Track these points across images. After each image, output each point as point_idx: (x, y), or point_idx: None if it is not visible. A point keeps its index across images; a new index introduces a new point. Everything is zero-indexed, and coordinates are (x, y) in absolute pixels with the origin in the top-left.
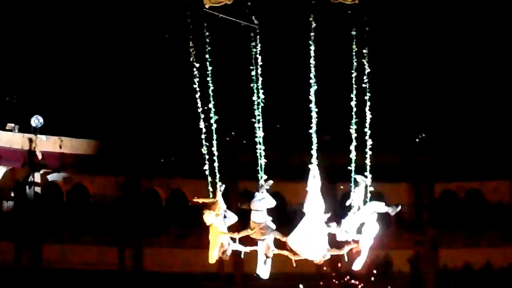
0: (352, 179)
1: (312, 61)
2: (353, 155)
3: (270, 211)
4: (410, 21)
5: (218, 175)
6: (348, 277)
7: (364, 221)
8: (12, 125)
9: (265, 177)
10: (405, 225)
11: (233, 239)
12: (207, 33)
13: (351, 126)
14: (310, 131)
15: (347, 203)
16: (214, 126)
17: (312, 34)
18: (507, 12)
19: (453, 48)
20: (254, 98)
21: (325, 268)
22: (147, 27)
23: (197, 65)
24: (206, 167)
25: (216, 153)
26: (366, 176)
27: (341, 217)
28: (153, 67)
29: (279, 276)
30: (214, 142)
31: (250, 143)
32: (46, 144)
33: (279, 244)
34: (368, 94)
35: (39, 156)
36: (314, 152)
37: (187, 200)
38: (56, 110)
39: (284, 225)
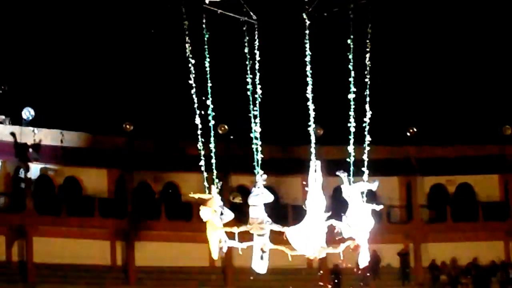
0: (351, 173)
1: (308, 56)
2: (351, 149)
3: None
4: (403, 18)
5: (213, 171)
6: (336, 271)
7: (362, 213)
8: (3, 117)
9: (261, 172)
10: (394, 219)
11: (231, 235)
12: (204, 27)
13: (349, 121)
14: (309, 125)
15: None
16: (211, 122)
17: (307, 32)
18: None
19: (442, 44)
20: (254, 94)
21: (314, 262)
22: (143, 20)
23: (193, 61)
24: (202, 162)
25: (212, 148)
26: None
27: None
28: (148, 60)
29: (268, 270)
30: (210, 137)
31: (245, 137)
32: (37, 136)
33: (275, 239)
34: (365, 89)
35: (30, 149)
36: (313, 149)
37: (179, 193)
38: (48, 102)
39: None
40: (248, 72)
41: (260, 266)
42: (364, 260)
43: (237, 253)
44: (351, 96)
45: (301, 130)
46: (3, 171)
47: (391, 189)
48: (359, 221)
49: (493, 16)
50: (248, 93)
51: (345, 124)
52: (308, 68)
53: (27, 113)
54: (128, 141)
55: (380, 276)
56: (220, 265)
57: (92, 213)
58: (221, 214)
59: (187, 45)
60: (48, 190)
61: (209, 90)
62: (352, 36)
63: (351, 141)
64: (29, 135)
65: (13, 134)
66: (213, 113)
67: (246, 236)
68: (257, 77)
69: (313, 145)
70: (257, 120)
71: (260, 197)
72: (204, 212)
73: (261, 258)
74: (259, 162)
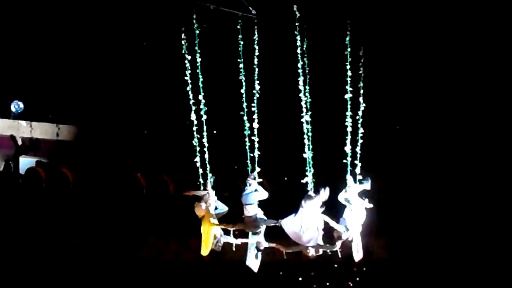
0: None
1: (302, 50)
2: (348, 149)
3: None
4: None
5: (200, 167)
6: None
7: (358, 211)
8: None
9: (257, 169)
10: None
11: (227, 231)
12: (196, 24)
13: (346, 120)
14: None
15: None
16: (204, 117)
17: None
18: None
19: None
20: (253, 91)
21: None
22: (135, 14)
23: (189, 57)
24: (197, 159)
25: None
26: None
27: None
28: (138, 55)
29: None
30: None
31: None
32: (26, 129)
33: (270, 237)
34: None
35: (19, 142)
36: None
37: (168, 189)
38: (36, 95)
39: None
40: (241, 69)
41: (254, 264)
42: (358, 254)
43: (225, 247)
44: (347, 96)
45: (292, 125)
46: None
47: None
48: (355, 220)
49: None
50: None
51: (335, 120)
52: (300, 64)
53: (16, 106)
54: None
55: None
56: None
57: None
58: (216, 208)
59: (182, 42)
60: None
61: (199, 85)
62: (348, 33)
63: (348, 142)
64: (18, 128)
65: (2, 127)
66: (205, 108)
67: (241, 232)
68: (252, 73)
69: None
70: (254, 116)
71: (254, 195)
72: (199, 209)
73: (256, 256)
74: (256, 160)
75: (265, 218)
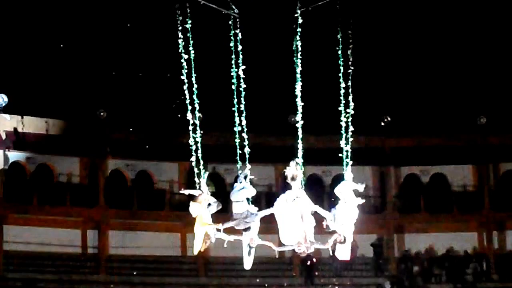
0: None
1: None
2: (343, 143)
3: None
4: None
5: (200, 163)
6: (310, 261)
7: (351, 207)
8: None
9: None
10: (368, 209)
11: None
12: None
13: (341, 112)
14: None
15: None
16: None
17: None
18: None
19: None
20: (239, 87)
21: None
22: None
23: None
24: (193, 154)
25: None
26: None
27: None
28: (125, 48)
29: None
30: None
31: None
32: (10, 123)
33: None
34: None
35: (3, 136)
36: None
37: (152, 181)
38: (21, 89)
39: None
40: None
41: (246, 261)
42: (346, 253)
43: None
44: (341, 88)
45: (278, 120)
46: None
47: (364, 179)
48: (347, 216)
49: (466, 9)
50: (233, 86)
51: (323, 114)
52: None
53: (0, 99)
54: (102, 129)
55: (353, 267)
56: (192, 254)
57: (64, 201)
58: (208, 205)
59: (180, 40)
60: (19, 177)
61: (186, 81)
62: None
63: (344, 135)
64: (1, 122)
65: None
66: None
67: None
68: (240, 69)
69: (300, 135)
70: (243, 112)
71: (242, 192)
72: (194, 208)
73: (249, 253)
74: (246, 156)
75: (255, 212)
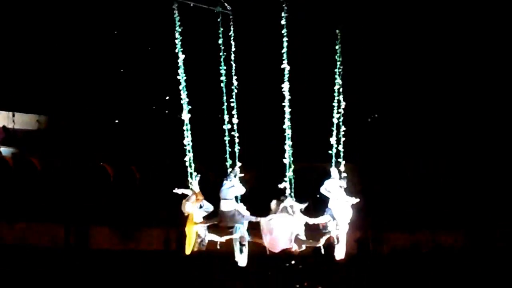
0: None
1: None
2: (333, 140)
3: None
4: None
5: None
6: (295, 260)
7: (343, 205)
8: None
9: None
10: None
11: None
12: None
13: (334, 110)
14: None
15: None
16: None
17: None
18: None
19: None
20: (232, 87)
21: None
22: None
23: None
24: (189, 154)
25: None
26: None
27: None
28: (113, 46)
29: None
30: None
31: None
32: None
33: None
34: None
35: None
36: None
37: (135, 178)
38: (5, 84)
39: None
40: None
41: (240, 259)
42: (341, 253)
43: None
44: (337, 83)
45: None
46: None
47: (352, 175)
48: (341, 214)
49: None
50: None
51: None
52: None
53: None
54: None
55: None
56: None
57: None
58: (200, 207)
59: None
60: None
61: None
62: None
63: (334, 133)
64: None
65: None
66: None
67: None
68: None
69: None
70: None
71: (232, 190)
72: (187, 207)
73: (240, 251)
74: (236, 154)
75: (247, 213)
